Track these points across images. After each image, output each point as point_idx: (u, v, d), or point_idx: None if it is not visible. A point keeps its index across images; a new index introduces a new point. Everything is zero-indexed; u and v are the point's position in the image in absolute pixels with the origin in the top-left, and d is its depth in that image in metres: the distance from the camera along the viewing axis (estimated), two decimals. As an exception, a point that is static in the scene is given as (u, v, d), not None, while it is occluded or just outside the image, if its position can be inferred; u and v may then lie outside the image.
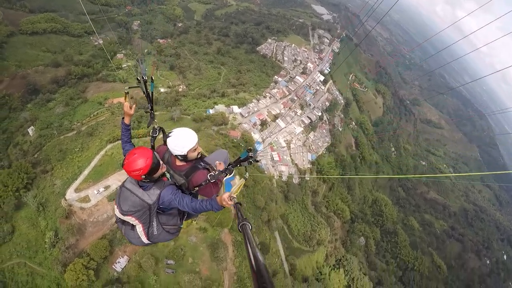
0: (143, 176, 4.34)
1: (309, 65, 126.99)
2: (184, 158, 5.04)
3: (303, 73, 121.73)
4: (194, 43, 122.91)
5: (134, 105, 5.38)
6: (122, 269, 52.62)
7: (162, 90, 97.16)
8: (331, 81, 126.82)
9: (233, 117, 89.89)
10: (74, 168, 65.14)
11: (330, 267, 77.75)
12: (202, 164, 5.33)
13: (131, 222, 4.76)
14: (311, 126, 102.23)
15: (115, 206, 4.79)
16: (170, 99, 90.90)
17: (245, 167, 5.28)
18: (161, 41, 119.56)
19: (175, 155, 5.03)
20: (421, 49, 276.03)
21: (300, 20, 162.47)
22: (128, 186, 4.67)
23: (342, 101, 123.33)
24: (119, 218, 4.85)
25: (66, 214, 56.42)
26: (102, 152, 67.79)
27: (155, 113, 5.66)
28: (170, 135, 4.94)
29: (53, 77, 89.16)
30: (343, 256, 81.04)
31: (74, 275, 48.96)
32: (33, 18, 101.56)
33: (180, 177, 5.13)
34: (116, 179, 61.38)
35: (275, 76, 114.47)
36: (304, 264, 73.84)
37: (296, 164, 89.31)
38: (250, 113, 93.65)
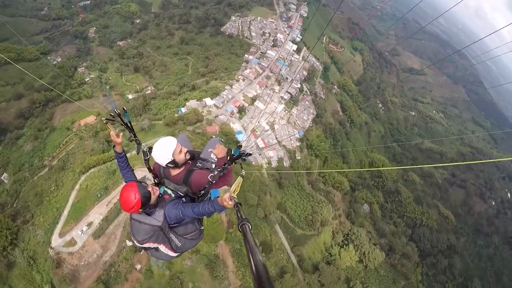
0: (141, 210, 4.39)
1: (279, 36, 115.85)
2: (175, 164, 4.89)
3: (274, 46, 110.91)
4: (156, 37, 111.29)
5: (120, 133, 5.30)
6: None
7: (130, 97, 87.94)
8: (304, 48, 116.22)
9: (207, 110, 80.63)
10: (53, 211, 58.94)
11: (338, 245, 71.28)
12: (199, 163, 5.20)
13: (152, 247, 4.77)
14: (292, 101, 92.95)
15: (132, 238, 4.80)
16: (139, 105, 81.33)
17: (240, 164, 5.08)
18: (121, 43, 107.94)
19: (166, 165, 4.88)
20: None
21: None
22: (135, 217, 4.65)
23: (320, 67, 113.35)
24: (140, 247, 4.81)
25: (57, 264, 51.71)
26: (77, 186, 61.00)
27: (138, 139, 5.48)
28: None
29: (18, 111, 79.88)
30: (350, 230, 74.33)
31: None
32: None
33: (180, 186, 5.04)
34: (97, 213, 56.16)
35: (246, 55, 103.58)
36: (312, 250, 67.54)
37: (284, 146, 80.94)
38: (225, 102, 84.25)
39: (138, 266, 51.62)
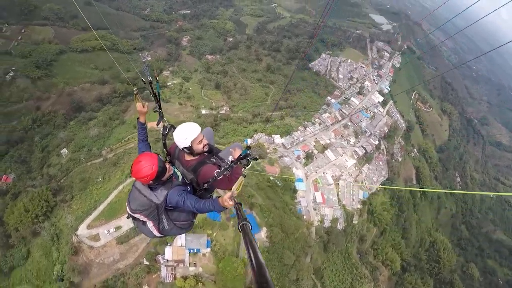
0: (151, 181, 4.28)
1: (367, 83, 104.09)
2: (191, 151, 4.80)
3: (359, 93, 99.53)
4: (243, 59, 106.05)
5: (146, 103, 5.28)
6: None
7: (203, 111, 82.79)
8: (391, 101, 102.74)
9: (273, 148, 72.62)
10: (91, 201, 57.85)
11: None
12: (214, 159, 5.08)
13: (141, 219, 4.60)
14: (365, 158, 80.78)
15: (126, 204, 4.68)
16: (208, 123, 75.49)
17: (244, 165, 4.79)
18: (209, 57, 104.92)
19: (182, 149, 4.79)
20: (488, 60, 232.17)
21: (357, 31, 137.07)
22: (137, 186, 4.52)
23: (403, 125, 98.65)
24: (130, 214, 4.70)
25: (74, 251, 51.18)
26: (120, 187, 58.92)
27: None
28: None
29: (98, 95, 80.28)
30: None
31: None
32: (83, 36, 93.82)
33: (188, 172, 4.90)
34: (128, 220, 48.70)
35: (328, 97, 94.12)
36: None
37: (343, 205, 69.57)
38: (294, 143, 75.39)
39: (146, 287, 48.58)
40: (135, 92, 5.18)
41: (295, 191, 67.18)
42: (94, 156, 66.65)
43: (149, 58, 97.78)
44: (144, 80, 5.11)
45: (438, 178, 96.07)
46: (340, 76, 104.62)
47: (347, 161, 77.03)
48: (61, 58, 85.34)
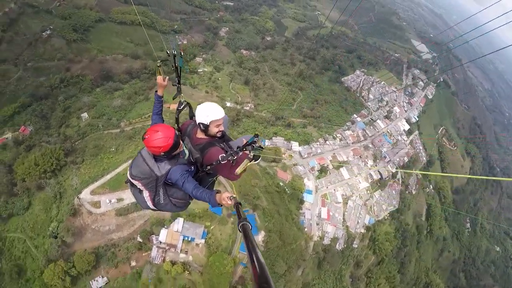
0: (162, 153, 4.23)
1: (396, 109, 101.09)
2: (206, 129, 4.78)
3: (386, 117, 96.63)
4: (277, 60, 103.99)
5: (167, 77, 5.34)
6: (97, 288, 47.23)
7: (228, 104, 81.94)
8: (416, 132, 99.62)
9: (289, 155, 71.38)
10: (100, 169, 58.98)
11: None
12: (223, 145, 5.05)
13: (138, 187, 4.55)
14: (379, 183, 78.62)
15: (128, 168, 4.59)
16: (229, 116, 75.07)
17: (249, 150, 4.38)
18: (244, 52, 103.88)
19: (198, 123, 4.77)
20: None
21: (396, 54, 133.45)
22: (143, 153, 4.47)
23: (424, 158, 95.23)
24: (128, 179, 4.63)
25: (73, 213, 52.73)
26: (130, 161, 55.73)
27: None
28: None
29: (128, 68, 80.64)
30: None
31: (51, 275, 46.06)
32: (124, 8, 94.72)
33: (196, 151, 4.89)
34: (131, 195, 49.38)
35: (354, 115, 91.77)
36: None
37: (347, 226, 67.90)
38: (312, 154, 74.05)
39: (133, 263, 49.61)
40: (158, 65, 5.26)
41: (302, 201, 65.89)
42: (112, 126, 67.37)
43: (184, 42, 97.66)
44: (168, 52, 5.09)
45: (448, 219, 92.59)
46: (371, 96, 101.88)
47: (360, 182, 75.17)
48: (99, 26, 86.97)
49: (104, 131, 66.39)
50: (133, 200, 45.04)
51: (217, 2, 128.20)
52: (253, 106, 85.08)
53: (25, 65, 75.25)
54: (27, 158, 58.28)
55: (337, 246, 64.92)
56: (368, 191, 75.39)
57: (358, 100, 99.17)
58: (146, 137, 4.16)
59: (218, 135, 4.92)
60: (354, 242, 68.01)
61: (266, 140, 73.00)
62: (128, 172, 4.58)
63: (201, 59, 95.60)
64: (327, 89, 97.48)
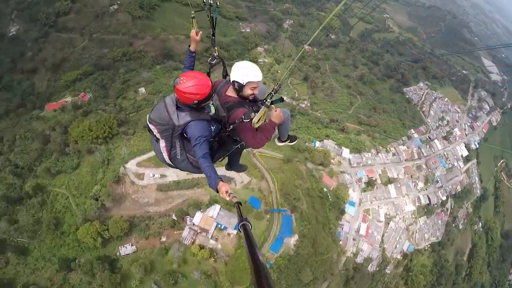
0: (196, 102, 3.95)
1: (456, 130, 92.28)
2: (239, 89, 4.50)
3: (445, 138, 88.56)
4: (339, 60, 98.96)
5: (200, 32, 5.02)
6: (124, 255, 49.67)
7: (284, 98, 77.81)
8: (474, 160, 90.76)
9: (338, 161, 68.12)
10: (148, 144, 56.61)
11: None
12: (252, 107, 4.66)
13: (154, 133, 4.30)
14: (426, 209, 72.71)
15: (149, 112, 4.37)
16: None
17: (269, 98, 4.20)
18: (307, 47, 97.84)
19: (233, 81, 4.48)
20: None
21: (463, 71, 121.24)
22: (167, 101, 4.23)
23: (478, 191, 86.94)
24: (146, 124, 4.38)
25: (117, 179, 54.26)
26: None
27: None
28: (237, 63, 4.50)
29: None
30: None
31: (85, 233, 48.45)
32: None
33: (223, 109, 4.57)
34: (175, 172, 55.01)
35: (412, 130, 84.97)
36: None
37: (384, 249, 63.70)
38: (361, 164, 69.76)
39: (163, 239, 50.65)
40: (192, 16, 5.04)
41: (342, 212, 62.92)
42: None
43: (247, 30, 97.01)
44: (204, 1, 4.72)
45: (491, 265, 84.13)
46: (431, 112, 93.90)
47: (406, 204, 69.96)
48: (164, 5, 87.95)
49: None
50: (175, 178, 45.04)
51: None
52: (309, 104, 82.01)
53: (90, 36, 79.20)
54: (82, 123, 60.43)
55: (369, 267, 61.30)
56: (413, 216, 70.10)
57: (418, 115, 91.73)
58: (180, 82, 3.83)
59: (251, 98, 4.68)
60: (388, 267, 63.95)
61: (317, 142, 70.22)
62: (148, 116, 4.27)
63: (263, 49, 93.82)
64: (387, 98, 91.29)
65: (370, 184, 68.48)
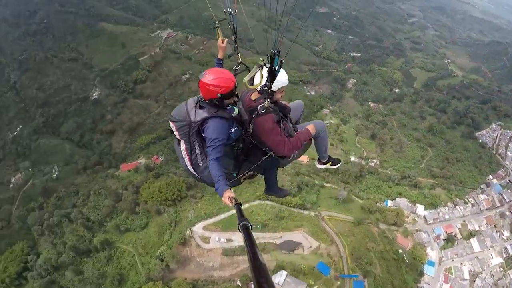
0: (219, 95, 3.84)
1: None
2: (270, 95, 4.27)
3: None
4: (406, 114, 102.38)
5: (226, 39, 4.97)
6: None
7: (352, 158, 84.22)
8: None
9: (412, 219, 68.34)
10: (216, 207, 62.23)
11: None
12: (280, 114, 4.51)
13: (174, 133, 4.09)
14: (516, 261, 71.07)
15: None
16: (352, 173, 76.86)
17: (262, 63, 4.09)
18: (372, 104, 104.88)
19: (262, 89, 4.20)
20: None
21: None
22: (189, 100, 4.22)
23: None
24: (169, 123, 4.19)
25: (182, 242, 56.34)
26: (247, 205, 61.87)
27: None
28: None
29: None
30: None
31: None
32: (256, 58, 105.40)
33: (246, 113, 4.43)
34: (240, 237, 53.50)
35: (490, 176, 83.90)
36: None
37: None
38: (438, 220, 70.02)
39: None
40: (216, 25, 5.01)
41: (421, 274, 59.74)
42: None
43: (312, 93, 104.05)
44: (224, 11, 4.76)
45: None
46: (509, 153, 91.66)
47: (492, 257, 68.35)
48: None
49: (227, 174, 73.29)
50: (242, 243, 51.77)
51: (344, 53, 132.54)
52: (378, 162, 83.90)
53: (164, 103, 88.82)
54: (153, 184, 64.94)
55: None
56: (502, 269, 67.99)
57: (495, 158, 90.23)
58: (205, 75, 3.88)
59: (279, 101, 4.64)
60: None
61: (389, 201, 71.20)
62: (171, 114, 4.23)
63: (328, 110, 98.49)
64: (459, 146, 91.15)
65: (450, 240, 67.37)
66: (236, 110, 4.26)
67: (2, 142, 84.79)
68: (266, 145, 4.44)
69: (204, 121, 3.90)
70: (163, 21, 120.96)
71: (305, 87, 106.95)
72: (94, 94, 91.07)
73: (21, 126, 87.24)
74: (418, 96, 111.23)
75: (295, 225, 59.07)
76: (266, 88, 4.15)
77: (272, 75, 4.07)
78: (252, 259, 1.60)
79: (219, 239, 56.70)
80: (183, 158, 4.24)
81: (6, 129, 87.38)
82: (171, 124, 4.11)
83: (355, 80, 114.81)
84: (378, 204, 68.94)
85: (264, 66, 4.15)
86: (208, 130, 3.85)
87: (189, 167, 4.23)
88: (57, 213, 66.44)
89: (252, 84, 4.23)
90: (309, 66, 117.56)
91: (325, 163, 5.88)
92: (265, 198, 61.31)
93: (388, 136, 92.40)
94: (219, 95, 3.84)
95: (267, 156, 4.54)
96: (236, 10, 4.77)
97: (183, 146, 4.12)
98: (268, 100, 4.21)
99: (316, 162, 6.12)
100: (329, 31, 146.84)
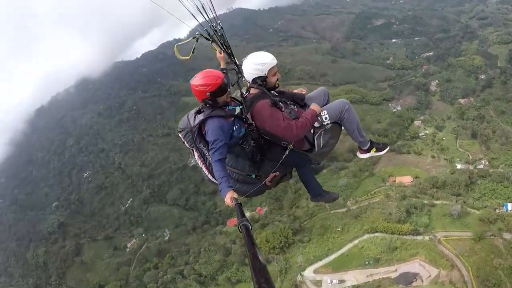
0: (208, 94, 3.71)
1: None
2: (264, 82, 4.06)
3: None
4: (500, 98, 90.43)
5: (221, 50, 4.73)
6: None
7: (458, 166, 75.91)
8: None
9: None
10: (325, 249, 61.98)
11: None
12: (279, 98, 4.19)
13: (186, 143, 4.12)
14: None
15: None
16: (461, 182, 68.18)
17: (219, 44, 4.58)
18: (462, 101, 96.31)
19: (254, 80, 4.06)
20: None
21: None
22: (192, 110, 4.10)
23: None
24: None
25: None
26: (356, 241, 60.94)
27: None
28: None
29: (351, 146, 72.85)
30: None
31: None
32: (333, 91, 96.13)
33: (246, 109, 4.09)
34: (353, 276, 55.24)
35: None
36: None
37: None
38: None
39: None
40: (211, 43, 4.63)
41: None
42: (339, 205, 68.45)
43: (399, 108, 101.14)
44: (204, 35, 4.47)
45: None
46: None
47: None
48: None
49: (331, 211, 69.23)
50: (355, 282, 55.73)
51: (417, 57, 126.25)
52: (487, 163, 74.96)
53: None
54: (260, 235, 65.01)
55: None
56: None
57: None
58: (194, 78, 3.76)
59: (277, 84, 4.23)
60: None
61: (509, 204, 60.64)
62: None
63: (420, 121, 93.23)
64: None
65: None
66: (238, 109, 4.07)
67: (116, 214, 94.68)
68: (273, 134, 4.02)
69: (203, 123, 3.81)
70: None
71: (389, 105, 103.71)
72: (192, 161, 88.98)
73: (131, 199, 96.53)
74: (507, 75, 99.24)
75: (409, 254, 55.63)
76: (257, 76, 3.98)
77: (227, 53, 4.40)
78: (252, 259, 1.56)
79: (331, 281, 55.39)
80: (202, 169, 4.17)
81: (119, 203, 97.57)
82: (180, 135, 4.07)
83: (437, 81, 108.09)
84: (497, 210, 60.29)
85: (198, 39, 4.42)
86: (208, 133, 3.73)
87: (208, 175, 4.10)
88: (171, 271, 70.18)
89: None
90: (386, 82, 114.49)
91: (367, 151, 4.87)
92: (374, 230, 60.43)
93: (490, 129, 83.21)
94: (208, 94, 3.72)
95: (287, 150, 4.10)
96: (220, 23, 4.49)
97: (196, 155, 4.09)
98: (263, 87, 4.03)
99: (358, 153, 5.10)
100: (394, 40, 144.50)
